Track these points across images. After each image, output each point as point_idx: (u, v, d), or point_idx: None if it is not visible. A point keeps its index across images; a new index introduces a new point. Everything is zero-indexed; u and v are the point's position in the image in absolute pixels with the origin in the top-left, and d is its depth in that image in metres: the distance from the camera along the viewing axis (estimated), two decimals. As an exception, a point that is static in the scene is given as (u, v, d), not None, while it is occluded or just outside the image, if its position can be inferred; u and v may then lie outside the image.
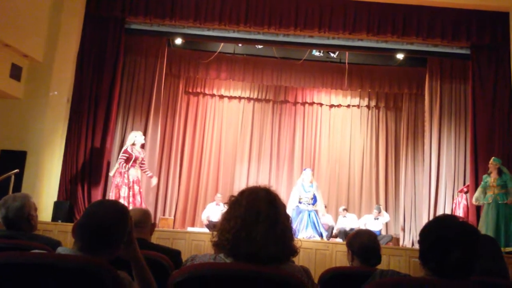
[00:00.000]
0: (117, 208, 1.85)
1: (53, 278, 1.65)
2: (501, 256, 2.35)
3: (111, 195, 7.20)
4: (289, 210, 7.65)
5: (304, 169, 8.56)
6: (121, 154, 7.46)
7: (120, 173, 7.33)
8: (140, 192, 7.52)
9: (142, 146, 7.82)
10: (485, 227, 6.81)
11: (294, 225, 7.50)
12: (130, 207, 7.12)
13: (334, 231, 8.57)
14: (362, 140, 10.38)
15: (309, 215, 7.82)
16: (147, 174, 7.76)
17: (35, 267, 1.66)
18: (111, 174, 7.57)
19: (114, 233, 1.79)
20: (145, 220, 2.76)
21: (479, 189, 7.24)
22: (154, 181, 7.90)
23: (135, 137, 7.55)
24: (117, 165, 7.44)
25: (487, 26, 7.87)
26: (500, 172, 7.05)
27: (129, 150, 7.41)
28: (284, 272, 1.69)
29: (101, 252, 1.76)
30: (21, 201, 2.79)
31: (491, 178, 7.09)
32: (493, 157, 7.23)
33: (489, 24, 7.88)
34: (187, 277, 1.66)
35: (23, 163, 7.14)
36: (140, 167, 7.59)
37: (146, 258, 2.00)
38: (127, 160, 7.34)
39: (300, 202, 7.96)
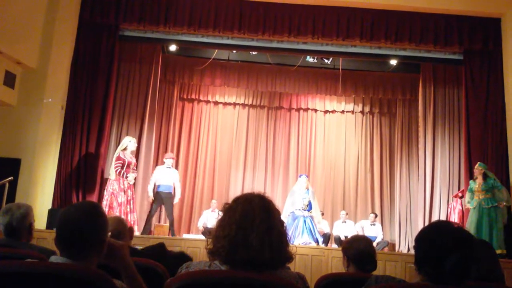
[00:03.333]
0: (86, 209, 1.83)
1: (49, 287, 1.63)
2: (497, 260, 2.36)
3: (105, 203, 7.19)
4: (284, 217, 7.63)
5: (300, 176, 8.56)
6: (115, 162, 7.46)
7: (118, 180, 7.35)
8: (133, 198, 7.54)
9: (134, 152, 7.85)
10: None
11: (290, 232, 7.48)
12: (116, 214, 7.14)
13: (335, 236, 8.59)
14: (356, 145, 10.41)
15: (305, 221, 7.80)
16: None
17: (32, 276, 1.65)
18: (112, 177, 7.44)
19: (88, 233, 1.76)
20: (122, 230, 2.76)
21: (467, 194, 7.36)
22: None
23: (129, 142, 7.62)
24: (114, 173, 7.40)
25: (479, 32, 7.93)
26: (485, 177, 7.13)
27: (121, 156, 7.47)
28: (280, 278, 1.69)
29: (85, 257, 1.75)
30: (25, 210, 2.89)
31: (476, 184, 7.18)
32: (478, 162, 7.33)
33: (481, 30, 7.94)
34: (182, 284, 1.65)
35: (17, 171, 7.10)
36: (133, 171, 7.65)
37: (140, 266, 1.98)
38: (122, 167, 7.40)
39: (295, 209, 7.95)
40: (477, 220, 6.96)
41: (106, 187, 7.49)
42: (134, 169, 7.67)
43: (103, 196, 7.50)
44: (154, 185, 7.98)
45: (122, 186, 7.36)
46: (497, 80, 7.93)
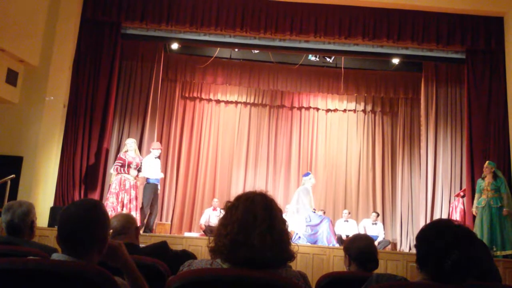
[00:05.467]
0: (87, 206, 1.83)
1: (50, 284, 1.64)
2: (492, 258, 2.38)
3: (106, 202, 7.21)
4: (306, 215, 7.60)
5: (307, 174, 8.45)
6: (115, 161, 7.58)
7: (118, 179, 7.39)
8: (136, 197, 7.54)
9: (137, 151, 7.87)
10: (480, 231, 6.83)
11: (322, 230, 7.48)
12: (125, 212, 7.18)
13: (337, 235, 8.59)
14: (358, 144, 10.40)
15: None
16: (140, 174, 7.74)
17: (34, 273, 1.65)
18: (112, 176, 7.57)
19: (89, 231, 1.77)
20: (128, 226, 2.76)
21: (476, 196, 7.24)
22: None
23: (126, 144, 7.70)
24: (113, 171, 7.52)
25: (482, 31, 7.92)
26: (495, 176, 7.07)
27: (122, 156, 7.55)
28: (281, 277, 1.69)
29: (87, 254, 1.75)
30: (27, 207, 2.88)
31: (485, 182, 7.12)
32: (488, 161, 7.26)
33: (484, 29, 7.93)
34: (184, 282, 1.65)
35: (19, 169, 7.10)
36: (139, 171, 7.65)
37: (142, 264, 1.99)
38: (122, 166, 7.43)
39: (314, 209, 7.91)
40: (490, 219, 6.87)
41: (109, 188, 7.55)
42: (136, 169, 7.64)
43: (105, 196, 7.54)
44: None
45: (122, 186, 7.39)
46: (499, 79, 7.92)
